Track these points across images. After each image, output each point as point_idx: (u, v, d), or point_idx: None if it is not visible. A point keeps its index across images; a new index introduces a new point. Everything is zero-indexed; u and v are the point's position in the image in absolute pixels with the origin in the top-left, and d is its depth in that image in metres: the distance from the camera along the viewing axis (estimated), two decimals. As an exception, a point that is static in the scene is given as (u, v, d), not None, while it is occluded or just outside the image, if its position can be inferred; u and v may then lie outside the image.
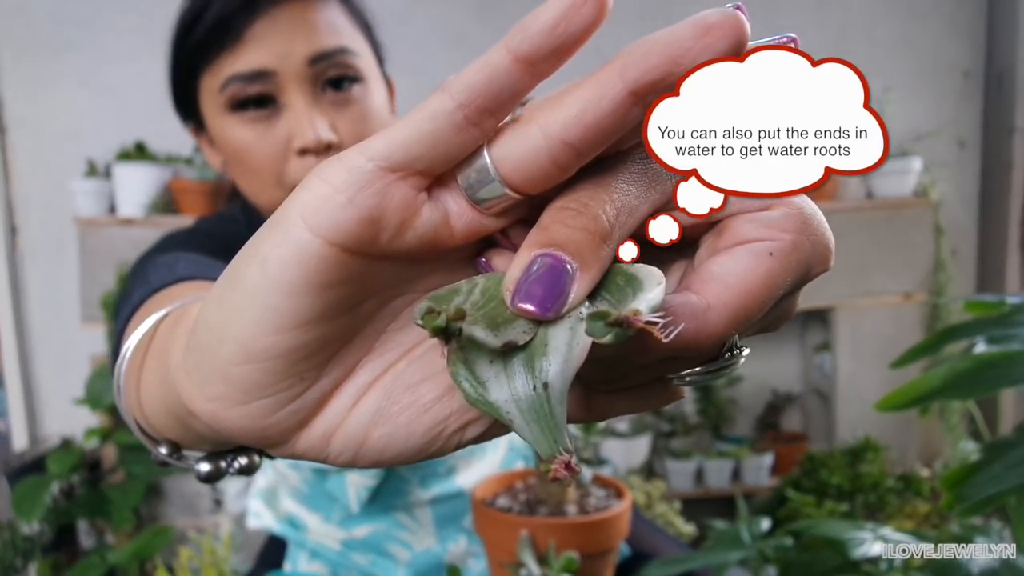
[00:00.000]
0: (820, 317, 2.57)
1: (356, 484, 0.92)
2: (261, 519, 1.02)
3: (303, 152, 0.73)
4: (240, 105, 0.73)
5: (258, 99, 0.73)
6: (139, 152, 2.25)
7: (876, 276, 2.44)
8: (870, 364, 2.45)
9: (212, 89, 0.74)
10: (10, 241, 2.37)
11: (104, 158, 2.29)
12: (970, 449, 2.27)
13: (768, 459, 2.49)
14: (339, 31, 0.75)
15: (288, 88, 0.73)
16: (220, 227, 0.88)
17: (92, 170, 2.25)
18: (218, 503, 2.19)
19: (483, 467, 1.04)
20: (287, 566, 1.04)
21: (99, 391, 2.11)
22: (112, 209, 2.23)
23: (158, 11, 2.54)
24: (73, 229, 2.23)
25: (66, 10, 2.33)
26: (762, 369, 2.73)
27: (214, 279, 0.33)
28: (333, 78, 0.74)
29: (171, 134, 2.38)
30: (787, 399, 2.69)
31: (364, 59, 0.78)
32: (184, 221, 2.17)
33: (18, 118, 2.35)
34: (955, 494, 0.51)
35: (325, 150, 0.73)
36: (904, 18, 2.66)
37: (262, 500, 1.03)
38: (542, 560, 0.79)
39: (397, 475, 0.96)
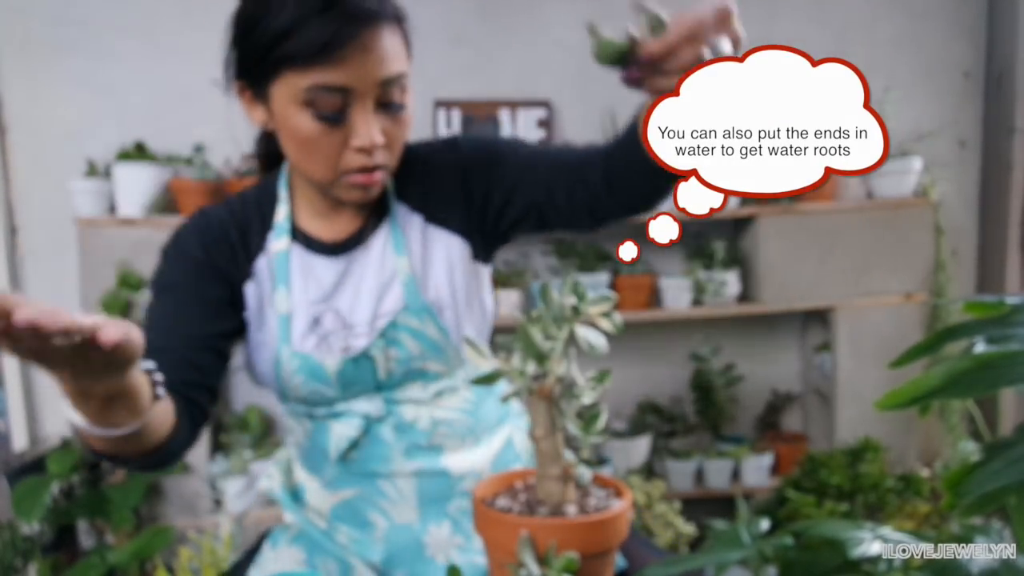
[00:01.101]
0: (820, 317, 2.57)
1: (338, 433, 1.01)
2: (272, 481, 1.10)
3: (359, 149, 0.91)
4: (316, 108, 0.89)
5: (332, 110, 0.89)
6: (139, 152, 2.25)
7: (876, 276, 2.44)
8: (870, 364, 2.45)
9: (296, 85, 0.88)
10: (10, 241, 2.37)
11: (104, 158, 2.29)
12: (970, 449, 2.27)
13: (768, 459, 2.49)
14: (400, 57, 0.92)
15: (357, 101, 0.89)
16: (237, 209, 1.05)
17: (92, 170, 2.25)
18: (218, 503, 2.20)
19: (474, 457, 1.07)
20: (267, 545, 1.07)
21: (99, 391, 2.11)
22: (112, 209, 2.24)
23: (158, 11, 2.55)
24: (73, 229, 2.24)
25: (66, 10, 2.34)
26: (762, 369, 2.73)
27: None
28: (390, 97, 0.92)
29: (171, 134, 2.39)
30: (787, 399, 2.70)
31: (408, 78, 0.94)
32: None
33: (18, 118, 2.35)
34: (955, 492, 0.51)
35: (375, 148, 0.91)
36: (905, 18, 2.66)
37: (277, 467, 1.12)
38: (542, 560, 0.79)
39: (378, 437, 1.02)
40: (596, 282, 2.34)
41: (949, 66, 2.69)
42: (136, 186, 2.17)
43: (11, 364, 2.38)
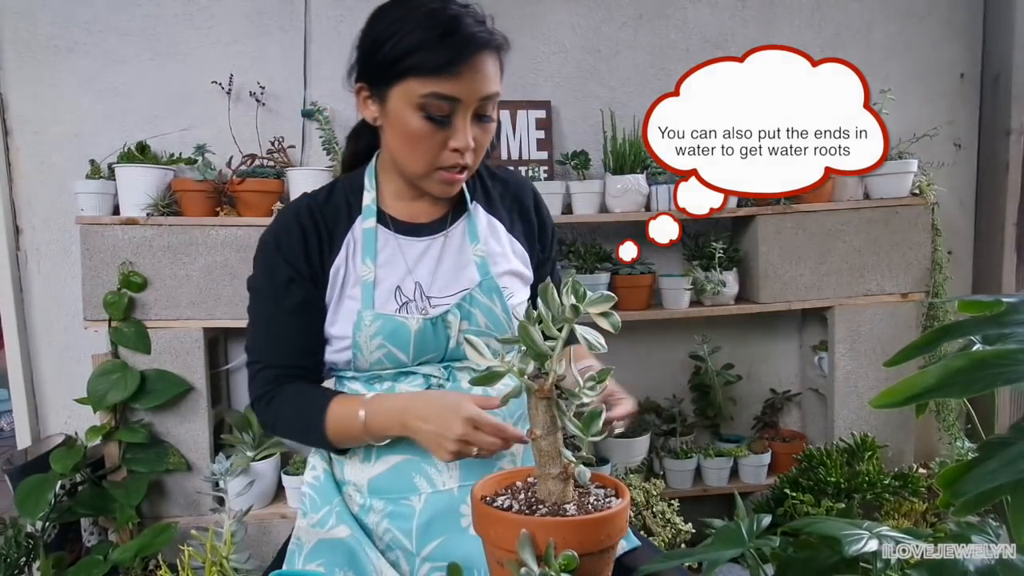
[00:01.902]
0: (818, 316, 2.58)
1: (401, 389, 1.17)
2: (316, 471, 1.24)
3: (455, 150, 1.10)
4: (426, 111, 1.08)
5: (440, 115, 1.09)
6: (141, 153, 2.26)
7: (873, 276, 2.45)
8: (867, 363, 2.46)
9: (415, 91, 1.07)
10: (14, 241, 2.38)
11: (107, 159, 2.30)
12: (966, 448, 2.28)
13: (766, 458, 2.50)
14: (497, 79, 1.12)
15: (458, 111, 1.09)
16: (322, 199, 1.22)
17: (95, 171, 2.25)
18: (220, 501, 2.20)
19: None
20: (286, 568, 1.13)
21: (100, 391, 2.11)
22: (115, 210, 2.24)
23: (160, 13, 2.55)
24: (76, 229, 2.24)
25: (69, 12, 2.34)
26: (760, 368, 2.74)
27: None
28: (485, 110, 1.12)
29: (173, 135, 2.40)
30: (785, 398, 2.70)
31: (499, 97, 1.14)
32: (186, 222, 2.19)
33: (22, 120, 2.36)
34: (951, 490, 0.52)
35: (467, 150, 1.11)
36: (901, 20, 2.67)
37: (319, 456, 1.25)
38: (542, 558, 0.80)
39: None
40: (596, 282, 2.35)
41: (945, 68, 2.70)
42: (138, 187, 2.18)
43: (14, 363, 2.39)
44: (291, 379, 1.18)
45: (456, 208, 1.25)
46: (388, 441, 1.15)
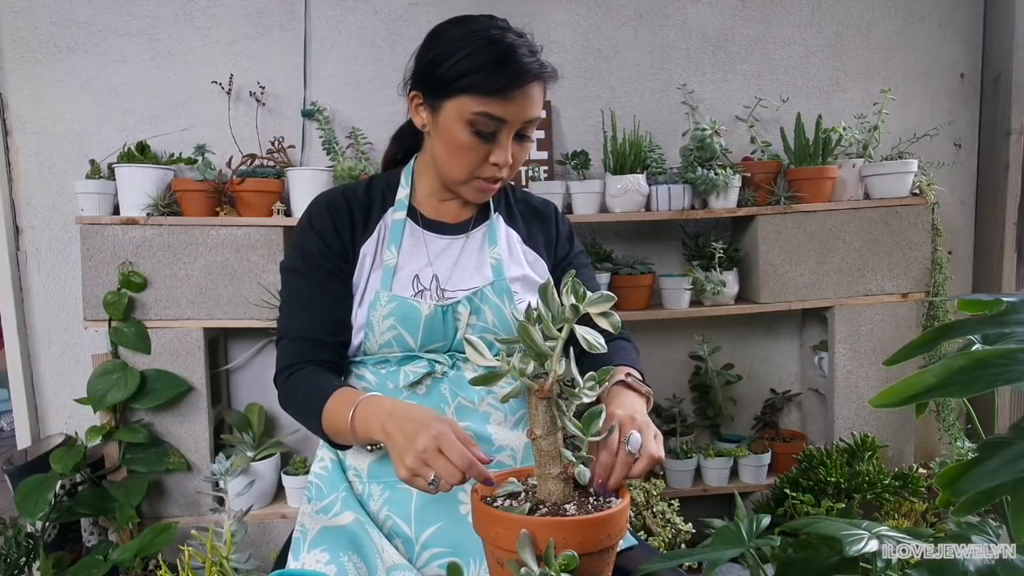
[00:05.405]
0: (818, 316, 2.58)
1: (406, 371, 1.22)
2: (323, 462, 1.27)
3: (494, 164, 1.21)
4: (474, 127, 1.18)
5: (487, 131, 1.18)
6: (141, 153, 2.26)
7: (874, 276, 2.45)
8: (868, 363, 2.46)
9: (467, 108, 1.16)
10: (14, 241, 2.38)
11: (107, 159, 2.30)
12: (966, 448, 2.28)
13: (766, 458, 2.49)
14: (541, 105, 1.21)
15: (504, 130, 1.19)
16: (361, 191, 1.32)
17: (95, 171, 2.26)
18: (221, 501, 2.20)
19: (512, 435, 1.24)
20: (290, 558, 1.15)
21: (100, 391, 2.11)
22: (115, 210, 2.24)
23: (160, 13, 2.55)
24: (76, 229, 2.24)
25: (69, 12, 2.34)
26: (760, 368, 2.74)
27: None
28: (527, 131, 1.22)
29: (173, 135, 2.40)
30: (785, 398, 2.70)
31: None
32: (186, 222, 2.19)
33: (22, 120, 2.36)
34: (951, 490, 0.52)
35: (506, 165, 1.21)
36: (901, 20, 2.67)
37: (326, 447, 1.28)
38: (542, 558, 0.80)
39: (437, 390, 1.22)
40: (595, 282, 2.35)
41: (945, 68, 2.70)
42: (138, 187, 2.18)
43: (14, 363, 2.39)
44: (314, 354, 1.21)
45: (480, 214, 1.35)
46: (373, 449, 1.17)
